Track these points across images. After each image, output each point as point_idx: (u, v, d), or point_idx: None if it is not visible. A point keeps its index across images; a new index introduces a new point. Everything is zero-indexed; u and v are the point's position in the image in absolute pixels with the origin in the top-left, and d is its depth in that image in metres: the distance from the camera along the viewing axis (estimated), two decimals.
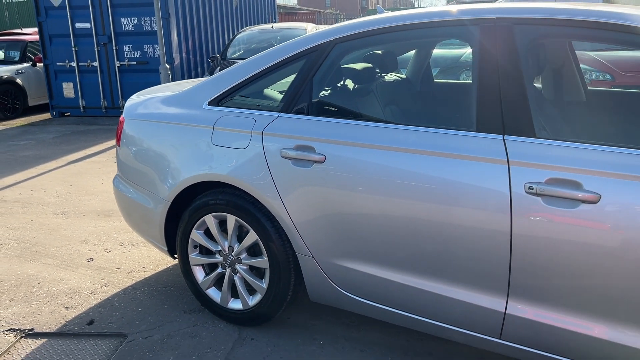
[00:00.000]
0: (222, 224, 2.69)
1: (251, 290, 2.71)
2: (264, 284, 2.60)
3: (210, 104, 2.72)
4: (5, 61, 10.43)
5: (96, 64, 9.49)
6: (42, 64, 10.01)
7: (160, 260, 3.53)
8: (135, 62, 9.33)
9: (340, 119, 2.34)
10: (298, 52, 2.53)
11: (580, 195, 1.81)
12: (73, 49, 9.51)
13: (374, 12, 55.41)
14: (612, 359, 1.87)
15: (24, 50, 10.50)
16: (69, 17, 9.40)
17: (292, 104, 2.48)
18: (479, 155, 2.00)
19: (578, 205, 1.82)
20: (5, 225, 4.28)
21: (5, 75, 9.88)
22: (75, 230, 4.12)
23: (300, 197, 2.36)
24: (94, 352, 2.59)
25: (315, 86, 2.47)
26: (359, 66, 2.60)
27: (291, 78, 2.55)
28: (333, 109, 2.45)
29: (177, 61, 9.32)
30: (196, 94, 2.79)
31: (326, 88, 2.53)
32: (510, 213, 1.93)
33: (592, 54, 7.62)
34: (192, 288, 2.85)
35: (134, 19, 9.19)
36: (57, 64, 9.65)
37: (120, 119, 3.04)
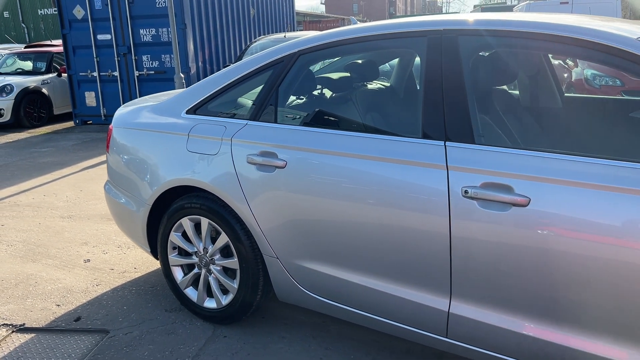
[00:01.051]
0: (198, 227, 2.83)
1: (225, 290, 2.84)
2: (235, 284, 2.73)
3: (187, 112, 2.87)
4: (33, 72, 10.87)
5: (116, 73, 9.81)
6: (66, 74, 10.39)
7: (151, 262, 3.70)
8: (153, 72, 9.62)
9: (301, 127, 2.46)
10: (266, 63, 2.66)
11: (510, 198, 1.89)
12: (95, 59, 9.86)
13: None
14: (550, 358, 1.93)
15: (50, 61, 10.93)
16: (91, 29, 9.75)
17: (260, 112, 2.61)
18: (422, 161, 2.09)
19: (509, 208, 1.90)
20: (15, 228, 4.52)
21: (32, 85, 10.30)
22: (78, 233, 4.32)
23: (265, 200, 2.49)
24: (77, 346, 2.75)
25: (281, 95, 2.60)
26: (321, 76, 2.72)
27: (260, 87, 2.68)
28: (296, 116, 2.57)
29: (193, 70, 9.58)
30: (176, 103, 2.95)
31: (291, 97, 2.66)
32: (449, 216, 2.02)
33: None
34: (172, 287, 3.00)
35: (152, 30, 9.49)
36: (80, 74, 10.01)
37: (110, 127, 3.22)
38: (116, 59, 9.77)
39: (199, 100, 2.85)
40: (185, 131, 2.78)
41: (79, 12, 9.80)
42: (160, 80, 9.62)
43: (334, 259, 2.38)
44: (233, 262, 2.70)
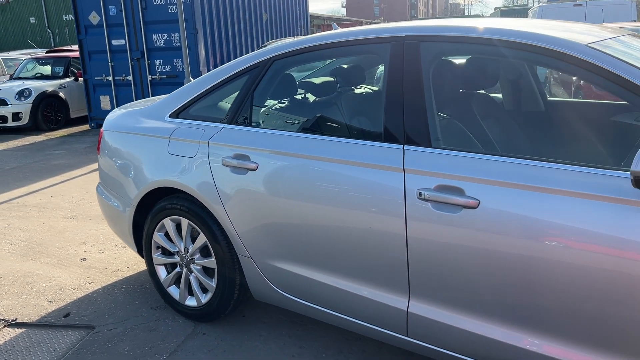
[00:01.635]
0: (179, 227, 2.93)
1: (204, 289, 2.92)
2: (214, 283, 2.81)
3: (170, 116, 2.97)
4: (51, 76, 11.16)
5: (130, 77, 10.02)
6: (82, 79, 10.64)
7: (143, 262, 3.81)
8: (165, 76, 9.81)
9: (272, 130, 2.54)
10: (242, 68, 2.75)
11: (461, 200, 1.94)
12: (109, 64, 10.08)
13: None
14: (505, 358, 1.97)
15: (68, 66, 11.21)
16: (106, 34, 9.98)
17: (236, 116, 2.70)
18: (382, 164, 2.15)
19: (460, 210, 1.95)
20: (20, 228, 4.68)
21: (50, 89, 10.58)
22: (78, 233, 4.46)
23: (238, 202, 2.57)
24: (62, 341, 2.86)
25: (256, 99, 2.68)
26: (294, 81, 2.79)
27: (237, 92, 2.77)
28: (268, 120, 2.65)
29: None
30: (161, 108, 3.05)
31: (265, 101, 2.73)
32: (405, 218, 2.07)
33: None
34: (157, 286, 3.10)
35: (164, 35, 9.68)
36: (95, 78, 10.25)
37: (101, 130, 3.34)
38: (130, 63, 9.98)
39: (181, 105, 2.94)
40: (167, 134, 2.88)
41: (94, 18, 10.05)
42: (173, 84, 9.79)
43: (302, 259, 2.45)
44: (211, 262, 2.79)
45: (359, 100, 2.80)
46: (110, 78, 10.15)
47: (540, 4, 13.21)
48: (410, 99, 2.16)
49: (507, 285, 1.89)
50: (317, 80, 2.91)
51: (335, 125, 2.51)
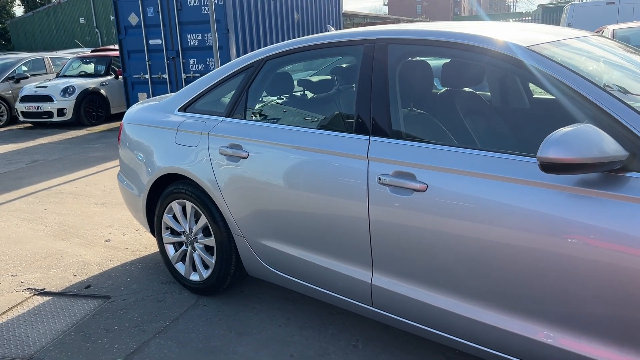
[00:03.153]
0: (185, 210, 3.27)
1: (206, 265, 3.26)
2: (213, 260, 3.14)
3: (179, 110, 3.31)
4: (94, 74, 11.80)
5: (166, 76, 10.53)
6: (122, 77, 11.23)
7: None
8: (199, 74, 10.26)
9: (262, 122, 2.85)
10: (240, 67, 3.06)
11: (413, 185, 2.19)
12: (147, 63, 10.61)
13: (459, 18, 54.56)
14: (455, 328, 2.21)
15: (109, 65, 11.82)
16: (144, 34, 10.52)
17: (233, 110, 3.01)
18: (351, 153, 2.42)
19: (411, 193, 2.21)
20: (55, 212, 5.14)
21: (92, 86, 11.20)
22: (106, 218, 4.89)
23: (232, 187, 2.89)
24: (82, 308, 3.25)
25: (250, 95, 2.99)
26: (283, 79, 3.09)
27: (235, 88, 3.08)
28: (260, 113, 2.96)
29: None
30: (172, 102, 3.40)
31: (258, 96, 3.04)
32: (368, 200, 2.34)
33: None
34: (166, 263, 3.46)
35: (198, 35, 10.13)
36: (134, 76, 10.80)
37: (121, 123, 3.72)
38: (166, 62, 10.48)
39: (189, 100, 3.28)
40: (175, 126, 3.23)
41: (133, 19, 10.59)
42: None
43: (285, 238, 2.74)
44: (211, 241, 3.12)
45: (336, 97, 3.07)
46: (147, 76, 10.68)
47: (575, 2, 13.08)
48: (377, 95, 2.43)
49: (452, 260, 2.14)
50: (311, 79, 3.20)
51: (315, 118, 2.79)
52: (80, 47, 20.75)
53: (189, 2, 10.12)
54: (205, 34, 10.07)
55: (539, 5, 33.14)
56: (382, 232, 2.32)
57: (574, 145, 1.70)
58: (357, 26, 38.12)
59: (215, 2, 9.96)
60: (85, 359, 2.71)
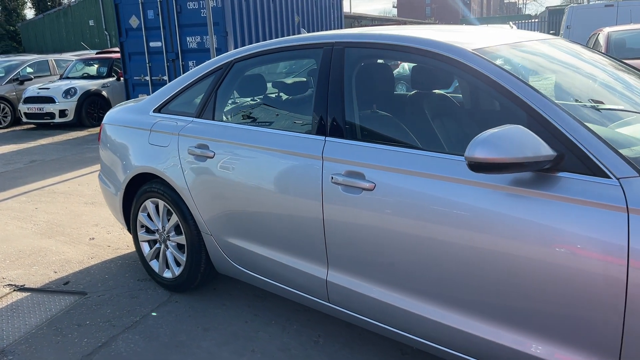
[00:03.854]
0: (158, 208, 3.34)
1: (178, 263, 3.33)
2: (184, 257, 3.22)
3: (154, 111, 3.39)
4: (96, 76, 11.96)
5: (166, 77, 10.64)
6: (123, 78, 11.37)
7: None
8: None
9: (227, 123, 2.92)
10: (210, 69, 3.14)
11: (362, 184, 2.25)
12: (147, 65, 10.73)
13: (466, 21, 54.44)
14: (404, 324, 2.27)
15: (111, 67, 11.97)
16: (144, 37, 10.64)
17: (203, 111, 3.09)
18: (308, 153, 2.49)
19: (361, 192, 2.27)
20: (45, 211, 5.25)
21: (93, 88, 11.35)
22: (94, 216, 4.98)
23: (200, 186, 2.96)
24: (58, 304, 3.34)
25: (219, 96, 3.07)
26: (251, 81, 3.16)
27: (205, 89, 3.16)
28: (227, 114, 3.03)
29: None
30: (148, 104, 3.49)
31: (226, 98, 3.11)
32: (322, 199, 2.40)
33: (630, 62, 7.47)
34: (141, 260, 3.54)
35: (197, 38, 10.24)
36: (135, 78, 10.92)
37: (101, 124, 3.81)
38: (165, 64, 10.59)
39: (163, 101, 3.37)
40: (148, 127, 3.31)
41: (134, 21, 10.72)
42: None
43: (249, 235, 2.81)
44: (182, 239, 3.19)
45: (300, 99, 3.13)
46: (147, 78, 10.80)
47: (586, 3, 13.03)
48: (334, 97, 2.49)
49: (399, 258, 2.19)
50: (283, 81, 3.27)
51: (279, 119, 2.86)
52: (86, 49, 20.96)
53: (188, 5, 10.23)
54: (205, 37, 10.17)
55: (546, 7, 33.00)
56: (335, 230, 2.38)
57: (500, 146, 1.75)
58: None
59: (214, 5, 10.07)
60: (53, 352, 2.79)
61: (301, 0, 12.83)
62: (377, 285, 2.31)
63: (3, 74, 12.41)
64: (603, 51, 8.29)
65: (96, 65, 12.21)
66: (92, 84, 11.41)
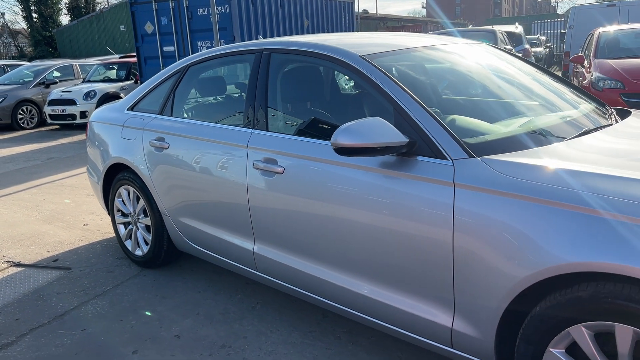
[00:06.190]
0: (129, 194, 3.83)
1: (147, 242, 3.80)
2: (150, 237, 3.69)
3: (128, 109, 3.88)
4: (116, 79, 12.65)
5: None
6: (139, 82, 12.01)
7: None
8: None
9: (180, 118, 3.38)
10: (171, 72, 3.61)
11: (275, 168, 2.68)
12: (161, 68, 11.33)
13: (494, 21, 54.12)
14: (316, 289, 2.67)
15: (129, 70, 12.65)
16: (158, 42, 11.26)
17: (164, 108, 3.56)
18: (237, 143, 2.92)
19: (274, 175, 2.69)
20: (51, 201, 5.82)
21: (112, 91, 12.03)
22: (92, 206, 5.52)
23: (158, 173, 3.42)
24: (45, 277, 3.85)
25: (177, 95, 3.53)
26: (203, 82, 3.61)
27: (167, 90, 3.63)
28: (181, 111, 3.49)
29: None
30: (124, 102, 3.98)
31: (182, 97, 3.56)
32: (246, 182, 2.83)
33: (611, 62, 7.68)
34: (119, 240, 4.03)
35: (207, 42, 10.79)
36: None
37: (88, 122, 4.32)
38: None
39: (135, 100, 3.85)
40: (121, 123, 3.80)
41: (149, 27, 11.35)
42: None
43: (197, 215, 3.26)
44: (148, 221, 3.67)
45: (238, 97, 3.56)
46: None
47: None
48: (260, 95, 2.92)
49: (304, 231, 2.60)
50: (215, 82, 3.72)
51: (220, 115, 3.30)
52: (111, 53, 21.84)
53: (199, 11, 10.80)
54: (214, 41, 10.71)
55: (571, 7, 32.66)
56: (256, 208, 2.81)
57: (359, 133, 2.15)
58: (389, 30, 38.28)
59: (222, 11, 10.61)
60: (32, 313, 3.29)
61: (310, 3, 13.25)
62: (291, 254, 2.73)
63: (31, 78, 13.23)
64: (592, 51, 8.47)
65: (115, 69, 12.90)
66: (111, 87, 12.09)
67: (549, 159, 2.01)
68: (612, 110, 2.89)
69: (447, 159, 2.13)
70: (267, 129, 2.84)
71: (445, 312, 2.15)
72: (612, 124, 2.53)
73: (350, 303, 2.50)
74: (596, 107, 2.83)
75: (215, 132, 3.09)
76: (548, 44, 27.06)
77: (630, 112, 2.86)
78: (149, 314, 3.21)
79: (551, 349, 1.87)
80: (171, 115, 3.50)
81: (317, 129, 2.69)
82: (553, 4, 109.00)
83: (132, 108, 3.86)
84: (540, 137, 2.25)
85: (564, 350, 1.85)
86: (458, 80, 2.87)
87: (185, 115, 3.47)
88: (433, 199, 2.10)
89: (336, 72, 2.96)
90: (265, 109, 2.88)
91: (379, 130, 2.16)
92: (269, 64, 2.95)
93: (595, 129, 2.40)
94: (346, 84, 3.55)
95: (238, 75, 3.78)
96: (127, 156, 3.66)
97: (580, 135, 2.31)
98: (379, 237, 2.27)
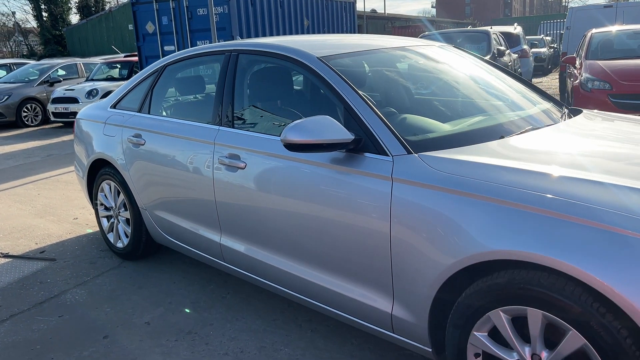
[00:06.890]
0: (111, 189, 3.98)
1: (127, 235, 3.96)
2: (130, 230, 3.84)
3: (110, 107, 4.04)
4: (118, 78, 12.86)
5: None
6: None
7: None
8: None
9: (156, 116, 3.53)
10: (150, 71, 3.76)
11: (238, 163, 2.82)
12: None
13: (502, 21, 54.02)
14: (277, 279, 2.81)
15: (131, 69, 12.85)
16: (159, 41, 11.45)
17: (142, 106, 3.71)
18: (205, 139, 3.06)
19: (237, 170, 2.83)
20: (45, 196, 6.00)
21: (114, 89, 12.21)
22: (83, 201, 5.69)
23: (136, 168, 3.58)
24: (31, 267, 4.02)
25: (154, 94, 3.68)
26: (179, 81, 3.75)
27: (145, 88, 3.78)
28: (158, 109, 3.64)
29: None
30: (108, 101, 4.13)
31: (159, 95, 3.71)
32: (213, 176, 2.97)
33: (600, 63, 7.74)
34: (102, 233, 4.19)
35: (206, 42, 10.95)
36: None
37: (76, 118, 4.48)
38: None
39: (117, 99, 4.01)
40: (104, 120, 3.95)
41: (150, 27, 11.54)
42: None
43: (170, 209, 3.41)
44: (127, 214, 3.82)
45: (210, 96, 3.71)
46: None
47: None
48: (228, 94, 3.06)
49: (264, 224, 2.74)
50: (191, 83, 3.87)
51: (192, 113, 3.45)
52: (116, 52, 22.09)
53: (198, 11, 10.97)
54: (212, 41, 10.88)
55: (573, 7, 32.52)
56: (222, 201, 2.95)
57: (306, 130, 2.28)
58: (396, 29, 38.32)
59: (220, 11, 10.78)
60: (15, 300, 3.46)
61: (310, 3, 13.37)
62: (252, 245, 2.87)
63: (36, 76, 13.48)
64: (584, 52, 8.54)
65: (118, 68, 13.11)
66: (113, 85, 12.27)
67: (479, 156, 2.14)
68: (566, 110, 3.01)
69: (388, 155, 2.25)
70: (232, 127, 2.98)
71: (386, 299, 2.28)
72: (555, 123, 2.65)
73: (304, 291, 2.63)
74: (550, 107, 2.95)
75: (187, 129, 3.23)
76: (553, 45, 26.95)
77: (580, 112, 2.97)
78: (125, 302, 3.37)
79: (475, 333, 1.99)
80: (149, 113, 3.65)
81: (277, 126, 2.82)
82: (564, 4, 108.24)
83: (114, 106, 4.01)
84: (479, 135, 2.37)
85: (486, 334, 1.98)
86: (413, 81, 3.00)
87: (162, 112, 3.62)
88: (374, 192, 2.23)
89: (294, 72, 3.09)
90: (232, 106, 3.02)
91: (326, 127, 2.29)
92: (237, 64, 3.09)
93: (536, 128, 2.52)
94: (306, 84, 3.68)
95: (213, 75, 3.93)
96: (108, 152, 3.81)
97: (520, 133, 2.43)
98: (326, 229, 2.41)
